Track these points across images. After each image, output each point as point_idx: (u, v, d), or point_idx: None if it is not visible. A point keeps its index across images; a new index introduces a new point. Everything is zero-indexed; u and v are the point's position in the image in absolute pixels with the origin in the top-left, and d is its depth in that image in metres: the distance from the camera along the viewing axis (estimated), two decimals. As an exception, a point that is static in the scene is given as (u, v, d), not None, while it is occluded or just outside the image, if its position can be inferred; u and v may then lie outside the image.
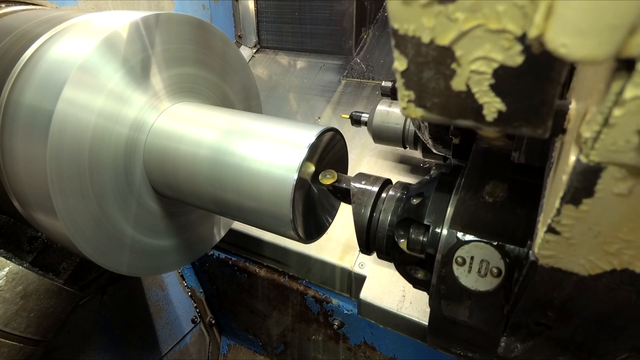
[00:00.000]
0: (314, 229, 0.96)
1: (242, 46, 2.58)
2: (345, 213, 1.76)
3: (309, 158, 0.86)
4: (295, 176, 0.83)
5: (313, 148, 0.87)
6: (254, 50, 2.58)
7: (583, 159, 0.35)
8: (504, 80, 0.37)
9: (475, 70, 0.37)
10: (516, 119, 0.39)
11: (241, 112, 1.08)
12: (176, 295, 2.28)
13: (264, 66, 2.51)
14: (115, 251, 1.02)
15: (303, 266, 1.83)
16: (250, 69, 1.31)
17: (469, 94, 0.39)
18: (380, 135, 1.60)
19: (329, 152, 0.94)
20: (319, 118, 2.17)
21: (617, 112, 0.31)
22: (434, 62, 0.38)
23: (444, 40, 0.36)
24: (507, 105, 0.38)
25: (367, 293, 1.57)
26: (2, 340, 1.09)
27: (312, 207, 0.94)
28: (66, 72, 0.85)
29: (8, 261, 1.11)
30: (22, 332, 1.13)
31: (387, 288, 1.56)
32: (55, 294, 1.20)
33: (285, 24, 2.45)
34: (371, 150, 1.94)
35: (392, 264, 1.63)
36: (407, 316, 1.49)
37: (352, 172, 1.05)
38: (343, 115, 1.79)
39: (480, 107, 0.40)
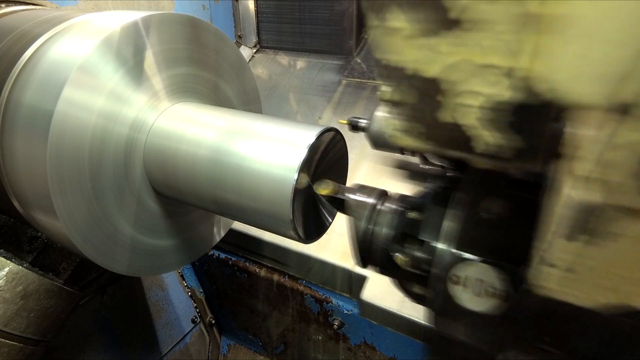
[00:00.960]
0: (314, 229, 0.96)
1: (242, 46, 2.58)
2: (344, 215, 1.76)
3: (309, 159, 0.86)
4: (295, 176, 0.83)
5: (313, 148, 0.87)
6: (254, 51, 2.58)
7: (576, 197, 0.34)
8: (492, 114, 0.35)
9: (462, 103, 0.36)
10: (505, 152, 0.38)
11: (241, 112, 1.08)
12: (176, 295, 2.28)
13: (264, 66, 2.51)
14: (116, 251, 1.02)
15: (303, 266, 1.83)
16: (251, 70, 1.31)
17: (456, 125, 0.38)
18: (379, 142, 1.59)
19: (329, 152, 0.94)
20: (320, 118, 2.16)
21: (610, 155, 0.30)
22: (419, 93, 0.37)
23: (428, 73, 0.35)
24: (496, 138, 0.37)
25: (368, 293, 1.57)
26: (2, 340, 1.09)
27: (312, 207, 0.94)
28: (66, 72, 0.85)
29: (8, 261, 1.11)
30: (22, 332, 1.13)
31: (388, 288, 1.55)
32: (55, 294, 1.20)
33: (285, 24, 2.45)
34: (369, 155, 1.94)
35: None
36: (408, 316, 1.49)
37: (351, 177, 1.05)
38: (341, 121, 1.78)
39: (468, 139, 0.38)
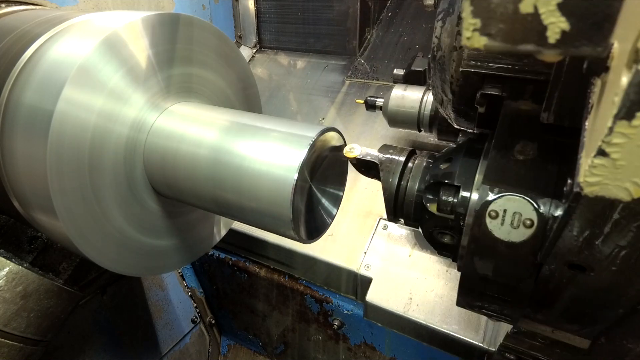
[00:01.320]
0: (314, 228, 0.96)
1: (242, 46, 2.58)
2: (350, 215, 1.77)
3: (308, 159, 0.86)
4: (295, 176, 0.83)
5: (313, 148, 0.87)
6: (254, 51, 2.58)
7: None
8: None
9: None
10: (578, 38, 0.41)
11: (241, 112, 1.08)
12: (176, 295, 2.28)
13: (264, 66, 2.51)
14: (116, 251, 1.02)
15: (308, 268, 1.82)
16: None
17: (535, 15, 0.41)
18: (396, 119, 1.63)
19: (330, 152, 0.94)
20: (323, 119, 2.16)
21: None
22: None
23: None
24: (572, 24, 0.40)
25: (374, 295, 1.57)
26: (2, 340, 1.09)
27: (312, 207, 0.94)
28: (66, 72, 0.85)
29: (8, 261, 1.11)
30: (22, 332, 1.13)
31: (394, 290, 1.56)
32: (55, 294, 1.20)
33: (287, 24, 2.45)
34: (382, 137, 1.96)
35: (398, 267, 1.64)
36: (414, 319, 1.49)
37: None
38: (358, 100, 1.84)
39: (544, 29, 0.41)
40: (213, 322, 2.52)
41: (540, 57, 0.45)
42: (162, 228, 1.14)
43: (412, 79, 1.62)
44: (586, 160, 0.45)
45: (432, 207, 0.83)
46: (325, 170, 0.94)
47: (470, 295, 0.83)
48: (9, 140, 0.89)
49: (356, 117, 2.10)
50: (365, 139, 2.00)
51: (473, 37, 0.45)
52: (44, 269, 1.23)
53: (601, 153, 0.43)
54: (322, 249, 1.72)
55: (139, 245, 1.08)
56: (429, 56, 0.86)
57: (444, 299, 1.51)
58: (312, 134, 0.88)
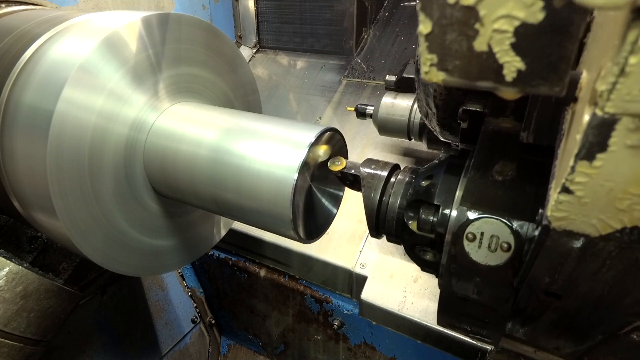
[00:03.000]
0: (314, 228, 0.96)
1: (242, 46, 2.58)
2: (345, 215, 1.77)
3: (309, 157, 0.86)
4: (295, 176, 0.83)
5: (313, 148, 0.87)
6: (254, 51, 2.58)
7: (598, 112, 0.36)
8: (524, 38, 0.38)
9: (498, 29, 0.39)
10: (534, 78, 0.41)
11: (241, 112, 1.08)
12: (176, 295, 2.28)
13: (264, 66, 2.51)
14: (115, 251, 1.02)
15: (304, 267, 1.83)
16: (247, 64, 1.31)
17: (490, 54, 0.41)
18: (386, 127, 1.62)
19: (329, 152, 0.94)
20: (320, 118, 2.17)
21: (632, 60, 0.33)
22: (457, 24, 0.40)
23: (469, 0, 0.38)
24: (527, 64, 0.40)
25: (368, 293, 1.57)
26: (2, 340, 1.09)
27: (312, 207, 0.94)
28: (66, 72, 0.85)
29: (8, 261, 1.11)
30: (22, 332, 1.13)
31: (388, 288, 1.56)
32: (55, 294, 1.20)
33: (285, 24, 2.45)
34: (374, 143, 1.95)
35: (393, 265, 1.64)
36: (408, 317, 1.49)
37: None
38: (348, 108, 1.82)
39: (500, 67, 0.41)
40: (213, 322, 2.52)
41: (499, 94, 0.45)
42: (162, 228, 1.14)
43: (403, 85, 1.61)
44: (554, 194, 0.45)
45: (413, 225, 0.81)
46: (325, 170, 0.94)
47: (449, 314, 0.82)
48: (9, 140, 0.89)
49: (352, 117, 2.10)
50: (361, 139, 2.00)
51: (431, 72, 0.45)
52: (44, 269, 1.23)
53: (565, 190, 0.43)
54: (318, 247, 1.73)
55: (139, 245, 1.08)
56: (414, 68, 0.86)
57: (438, 297, 1.51)
58: (312, 134, 0.88)
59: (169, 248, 1.18)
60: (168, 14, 1.02)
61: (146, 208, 1.07)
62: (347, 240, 1.73)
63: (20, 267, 1.12)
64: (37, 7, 1.35)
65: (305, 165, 0.85)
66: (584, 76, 0.45)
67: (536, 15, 0.36)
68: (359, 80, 2.24)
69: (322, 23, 2.34)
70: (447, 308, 0.81)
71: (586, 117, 0.38)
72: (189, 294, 2.37)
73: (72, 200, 0.89)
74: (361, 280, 1.63)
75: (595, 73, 0.38)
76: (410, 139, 1.61)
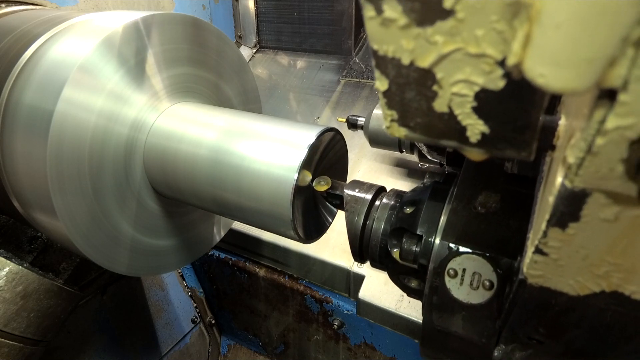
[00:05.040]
0: (314, 228, 0.96)
1: (242, 46, 2.59)
2: (343, 215, 1.76)
3: (309, 159, 0.86)
4: (296, 176, 0.83)
5: (313, 148, 0.87)
6: (254, 50, 2.58)
7: (568, 184, 0.35)
8: (486, 103, 0.36)
9: (457, 93, 0.37)
10: (500, 142, 0.39)
11: (241, 112, 1.08)
12: (176, 295, 2.28)
13: (264, 66, 2.51)
14: (116, 251, 1.02)
15: (303, 266, 1.83)
16: (251, 70, 1.31)
17: (451, 115, 0.39)
18: (377, 140, 1.59)
19: (329, 152, 0.94)
20: (318, 118, 2.17)
21: (599, 141, 0.31)
22: (415, 84, 0.38)
23: (424, 63, 0.36)
24: (491, 127, 0.38)
25: (366, 292, 1.57)
26: (2, 340, 1.09)
27: (312, 207, 0.94)
28: (66, 72, 0.85)
29: (8, 261, 1.11)
30: (22, 332, 1.13)
31: (386, 287, 1.56)
32: (55, 294, 1.20)
33: (285, 24, 2.45)
34: (368, 153, 1.93)
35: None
36: (406, 315, 1.49)
37: (350, 175, 1.04)
38: (340, 119, 1.79)
39: (463, 129, 0.39)
40: (213, 322, 2.52)
41: (464, 154, 0.43)
42: (162, 228, 1.14)
43: None
44: (529, 252, 0.43)
45: (396, 254, 0.79)
46: (325, 170, 0.94)
47: (431, 347, 0.80)
48: (9, 140, 0.89)
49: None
50: (359, 139, 2.00)
51: (392, 127, 0.43)
52: (44, 269, 1.23)
53: (539, 251, 0.41)
54: (316, 247, 1.72)
55: (139, 245, 1.08)
56: None
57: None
58: (312, 134, 0.88)
59: (169, 248, 1.18)
60: (168, 14, 1.02)
61: (146, 208, 1.07)
62: (345, 239, 1.72)
63: (20, 267, 1.12)
64: (37, 7, 1.35)
65: (305, 165, 0.85)
66: (562, 123, 0.43)
67: (496, 82, 0.34)
68: (358, 80, 2.24)
69: (321, 23, 2.34)
70: (429, 341, 0.79)
71: (559, 180, 0.36)
72: (189, 294, 2.37)
73: (72, 200, 0.89)
74: (359, 279, 1.63)
75: (570, 125, 0.36)
76: (401, 152, 1.58)
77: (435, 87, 0.37)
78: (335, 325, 1.89)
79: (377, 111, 1.58)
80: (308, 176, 0.88)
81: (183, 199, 1.05)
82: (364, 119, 1.65)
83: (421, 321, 1.43)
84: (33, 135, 0.85)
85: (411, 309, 1.50)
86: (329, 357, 2.11)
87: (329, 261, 1.70)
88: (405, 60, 0.36)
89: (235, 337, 2.56)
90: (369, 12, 0.34)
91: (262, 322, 2.26)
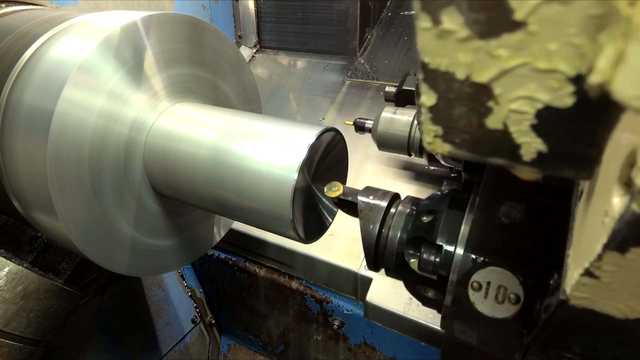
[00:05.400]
0: (314, 228, 0.96)
1: (242, 46, 2.58)
2: (349, 216, 1.76)
3: (308, 159, 0.86)
4: (295, 176, 0.83)
5: (313, 148, 0.87)
6: (254, 51, 2.58)
7: (636, 209, 0.31)
8: (548, 121, 0.33)
9: (516, 110, 0.34)
10: (558, 161, 0.36)
11: (241, 112, 1.08)
12: (176, 295, 2.28)
13: (265, 66, 2.51)
14: (115, 251, 1.02)
15: (308, 268, 1.82)
16: (250, 70, 1.31)
17: (505, 133, 0.36)
18: (385, 143, 1.57)
19: (330, 152, 0.94)
20: (323, 119, 2.16)
21: None
22: (467, 99, 0.35)
23: (481, 78, 0.33)
24: (549, 146, 0.35)
25: (374, 295, 1.56)
26: (2, 340, 1.09)
27: (312, 207, 0.94)
28: (66, 72, 0.85)
29: (8, 261, 1.11)
30: (22, 332, 1.13)
31: (394, 290, 1.55)
32: (55, 294, 1.20)
33: (287, 24, 2.45)
34: (373, 156, 1.92)
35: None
36: (414, 319, 1.48)
37: (356, 178, 1.04)
38: (347, 122, 1.77)
39: (517, 147, 0.37)
40: (213, 322, 2.52)
41: (514, 172, 0.40)
42: (162, 228, 1.14)
43: (403, 98, 1.55)
44: (573, 271, 0.40)
45: (414, 264, 0.76)
46: (325, 170, 0.94)
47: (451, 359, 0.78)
48: (9, 140, 0.89)
49: (356, 117, 2.10)
50: (364, 140, 1.99)
51: (435, 143, 0.40)
52: (44, 269, 1.23)
53: (589, 274, 0.37)
54: (322, 249, 1.72)
55: (139, 245, 1.08)
56: (415, 91, 0.83)
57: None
58: (312, 133, 0.88)
59: (169, 248, 1.18)
60: (168, 14, 1.02)
61: (146, 208, 1.07)
62: (351, 241, 1.72)
63: (20, 267, 1.12)
64: (37, 7, 1.35)
65: (305, 165, 0.85)
66: (627, 137, 0.40)
67: (564, 100, 0.31)
68: (363, 80, 2.23)
69: (324, 23, 2.34)
70: (449, 353, 0.76)
71: (616, 202, 0.32)
72: (189, 294, 2.37)
73: (72, 200, 0.89)
74: (366, 282, 1.62)
75: (622, 139, 0.32)
76: (410, 155, 1.56)
77: (490, 103, 0.35)
78: (335, 325, 1.89)
79: (385, 114, 1.56)
80: (303, 180, 0.86)
81: (183, 199, 1.05)
82: (371, 122, 1.62)
83: (429, 324, 1.45)
84: (33, 135, 0.85)
85: (419, 312, 1.49)
86: (329, 357, 2.11)
87: (335, 263, 1.69)
88: (460, 75, 0.34)
89: (235, 337, 2.56)
90: (423, 22, 0.32)
91: (262, 322, 2.26)
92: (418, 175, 1.81)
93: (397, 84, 1.59)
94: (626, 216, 0.32)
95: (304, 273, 1.88)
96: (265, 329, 2.29)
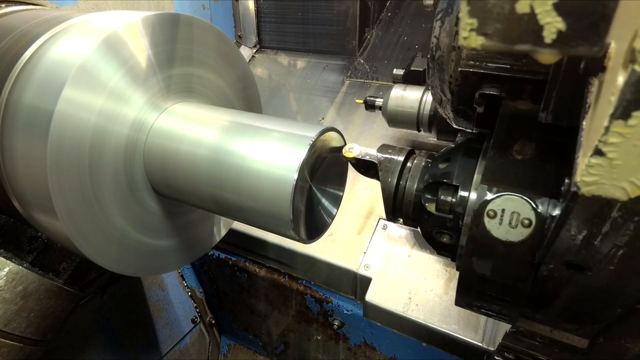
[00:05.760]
0: (314, 228, 0.96)
1: (242, 46, 2.59)
2: (349, 215, 1.77)
3: (309, 158, 0.86)
4: (295, 176, 0.83)
5: (313, 148, 0.87)
6: (254, 51, 2.58)
7: (638, 69, 0.37)
8: None
9: None
10: (574, 38, 0.41)
11: (241, 112, 1.08)
12: (176, 295, 2.28)
13: (265, 67, 2.51)
14: (115, 251, 1.02)
15: (308, 268, 1.82)
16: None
17: (532, 15, 0.41)
18: (395, 119, 1.64)
19: (330, 152, 0.94)
20: (323, 119, 2.16)
21: None
22: None
23: None
24: (568, 24, 0.41)
25: (373, 295, 1.57)
26: (2, 340, 1.09)
27: (312, 207, 0.94)
28: (66, 72, 0.85)
29: (8, 261, 1.11)
30: (22, 332, 1.13)
31: (393, 290, 1.56)
32: (55, 294, 1.20)
33: (287, 24, 2.45)
34: (382, 137, 1.96)
35: (398, 267, 1.64)
36: (413, 318, 1.49)
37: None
38: (357, 100, 1.84)
39: (540, 29, 0.42)
40: (213, 322, 2.52)
41: (537, 57, 0.46)
42: (162, 228, 1.14)
43: (411, 79, 1.62)
44: (583, 160, 0.46)
45: (431, 207, 0.83)
46: (325, 170, 0.94)
47: (468, 294, 0.83)
48: (9, 140, 0.89)
49: (356, 117, 2.10)
50: (364, 139, 2.00)
51: (470, 37, 0.46)
52: (44, 269, 1.23)
53: (598, 152, 0.43)
54: (321, 249, 1.72)
55: (139, 245, 1.08)
56: (428, 56, 0.87)
57: (444, 298, 1.51)
58: (312, 133, 0.88)
59: (169, 248, 1.18)
60: (168, 14, 1.02)
61: (146, 208, 1.07)
62: (351, 241, 1.73)
63: (20, 267, 1.12)
64: (37, 7, 1.35)
65: (305, 165, 0.85)
66: (613, 46, 0.46)
67: None
68: (362, 80, 2.23)
69: (324, 23, 2.34)
70: (466, 288, 0.81)
71: (620, 79, 0.39)
72: (189, 294, 2.37)
73: (72, 200, 0.89)
74: (365, 281, 1.62)
75: (629, 37, 0.38)
76: (419, 130, 1.63)
77: None
78: (335, 325, 1.89)
79: (395, 91, 1.63)
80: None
81: (183, 199, 1.05)
82: (381, 100, 1.70)
83: (429, 324, 1.45)
84: (33, 135, 0.85)
85: (419, 311, 1.49)
86: (329, 357, 2.11)
87: (334, 263, 1.70)
88: None
89: (235, 337, 2.57)
90: None
91: (262, 322, 2.26)
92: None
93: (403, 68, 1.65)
94: (630, 79, 0.38)
95: (304, 273, 1.88)
96: (265, 329, 2.29)
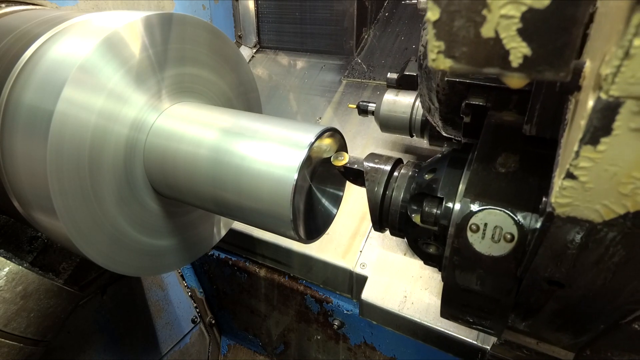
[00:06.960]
0: (314, 228, 0.96)
1: (242, 46, 2.59)
2: (345, 214, 1.77)
3: (308, 159, 0.86)
4: (296, 176, 0.83)
5: (313, 148, 0.87)
6: (254, 51, 2.58)
7: (603, 96, 0.37)
8: (531, 23, 0.40)
9: (505, 15, 0.40)
10: (540, 63, 0.42)
11: (241, 112, 1.08)
12: (176, 295, 2.28)
13: (264, 66, 2.51)
14: (115, 251, 1.02)
15: (304, 267, 1.83)
16: (247, 62, 1.30)
17: (497, 40, 0.42)
18: (388, 124, 1.63)
19: (330, 152, 0.94)
20: (320, 118, 2.17)
21: (637, 42, 0.34)
22: (465, 10, 0.41)
23: None
24: (533, 49, 0.41)
25: (369, 294, 1.57)
26: (2, 340, 1.09)
27: (312, 207, 0.94)
28: (66, 72, 0.85)
29: (8, 261, 1.11)
30: (22, 332, 1.13)
31: (389, 289, 1.56)
32: (55, 294, 1.20)
33: (285, 24, 2.45)
34: (376, 141, 1.95)
35: (393, 265, 1.64)
36: (409, 317, 1.49)
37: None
38: (350, 105, 1.83)
39: (506, 54, 0.42)
40: (213, 322, 2.52)
41: (505, 80, 0.45)
42: (162, 228, 1.14)
43: (405, 83, 1.61)
44: (558, 181, 0.46)
45: (417, 218, 0.82)
46: (325, 170, 0.94)
47: (452, 306, 0.83)
48: (9, 140, 0.89)
49: (353, 117, 2.10)
50: (361, 139, 2.00)
51: (438, 59, 0.46)
52: (44, 269, 1.23)
53: (569, 176, 0.44)
54: (318, 247, 1.73)
55: (139, 245, 1.08)
56: (417, 64, 0.87)
57: (439, 297, 1.51)
58: (312, 134, 0.88)
59: (169, 248, 1.18)
60: (168, 14, 1.02)
61: (146, 208, 1.07)
62: (347, 240, 1.73)
63: (20, 267, 1.12)
64: (37, 7, 1.35)
65: (305, 165, 0.85)
66: (588, 65, 0.46)
67: (542, 0, 0.37)
68: (360, 80, 2.24)
69: (322, 23, 2.34)
70: (450, 300, 0.81)
71: (590, 103, 0.39)
72: (189, 294, 2.37)
73: (72, 200, 0.89)
74: (361, 280, 1.62)
75: (599, 60, 0.39)
76: (412, 136, 1.63)
77: (484, 12, 0.40)
78: (335, 325, 1.89)
79: (388, 97, 1.62)
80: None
81: (183, 199, 1.05)
82: (374, 105, 1.69)
83: (424, 322, 1.45)
84: (33, 135, 0.85)
85: (414, 310, 1.50)
86: (329, 357, 2.11)
87: (331, 262, 1.70)
88: None
89: (235, 337, 2.57)
90: None
91: (262, 322, 2.26)
92: (419, 159, 1.83)
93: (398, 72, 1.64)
94: (596, 106, 0.38)
95: (302, 272, 1.89)
96: (265, 329, 2.29)
